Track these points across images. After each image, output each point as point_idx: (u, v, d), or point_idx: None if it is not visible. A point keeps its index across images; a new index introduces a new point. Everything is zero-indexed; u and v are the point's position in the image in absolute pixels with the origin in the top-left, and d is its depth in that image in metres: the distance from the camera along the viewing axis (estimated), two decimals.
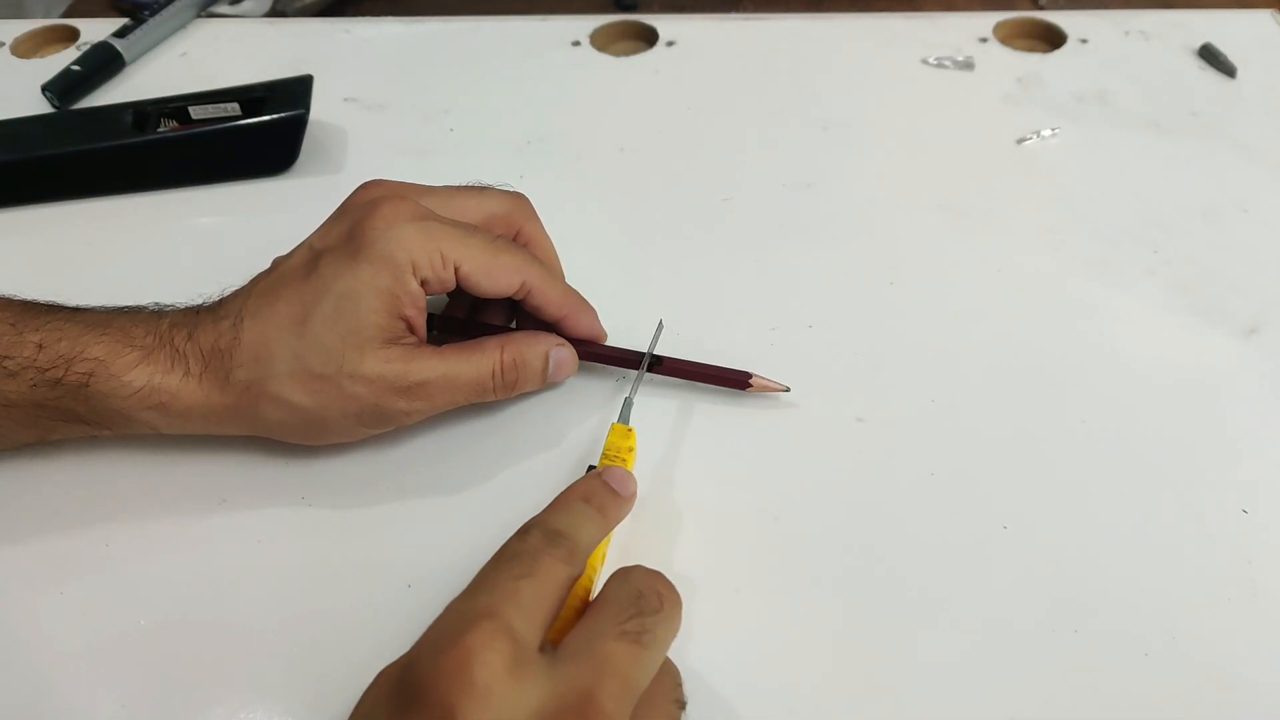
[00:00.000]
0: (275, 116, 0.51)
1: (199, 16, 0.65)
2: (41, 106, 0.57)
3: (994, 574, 0.34)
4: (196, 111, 0.52)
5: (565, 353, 0.38)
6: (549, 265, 0.39)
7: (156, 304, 0.37)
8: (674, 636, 0.29)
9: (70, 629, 0.34)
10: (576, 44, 0.60)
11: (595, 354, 0.39)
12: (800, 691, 0.31)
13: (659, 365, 0.39)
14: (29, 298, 0.36)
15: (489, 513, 0.36)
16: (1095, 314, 0.42)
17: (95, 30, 0.62)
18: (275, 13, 0.66)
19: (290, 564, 0.35)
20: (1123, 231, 0.46)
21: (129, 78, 0.60)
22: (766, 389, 0.39)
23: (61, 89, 0.57)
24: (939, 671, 0.32)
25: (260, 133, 0.51)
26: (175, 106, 0.52)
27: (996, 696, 0.31)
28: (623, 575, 0.29)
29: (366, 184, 0.38)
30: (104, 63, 0.59)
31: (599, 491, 0.32)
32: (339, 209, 0.37)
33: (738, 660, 0.32)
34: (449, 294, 0.38)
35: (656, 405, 0.39)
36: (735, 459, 0.38)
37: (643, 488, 0.37)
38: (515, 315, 0.41)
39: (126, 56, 0.60)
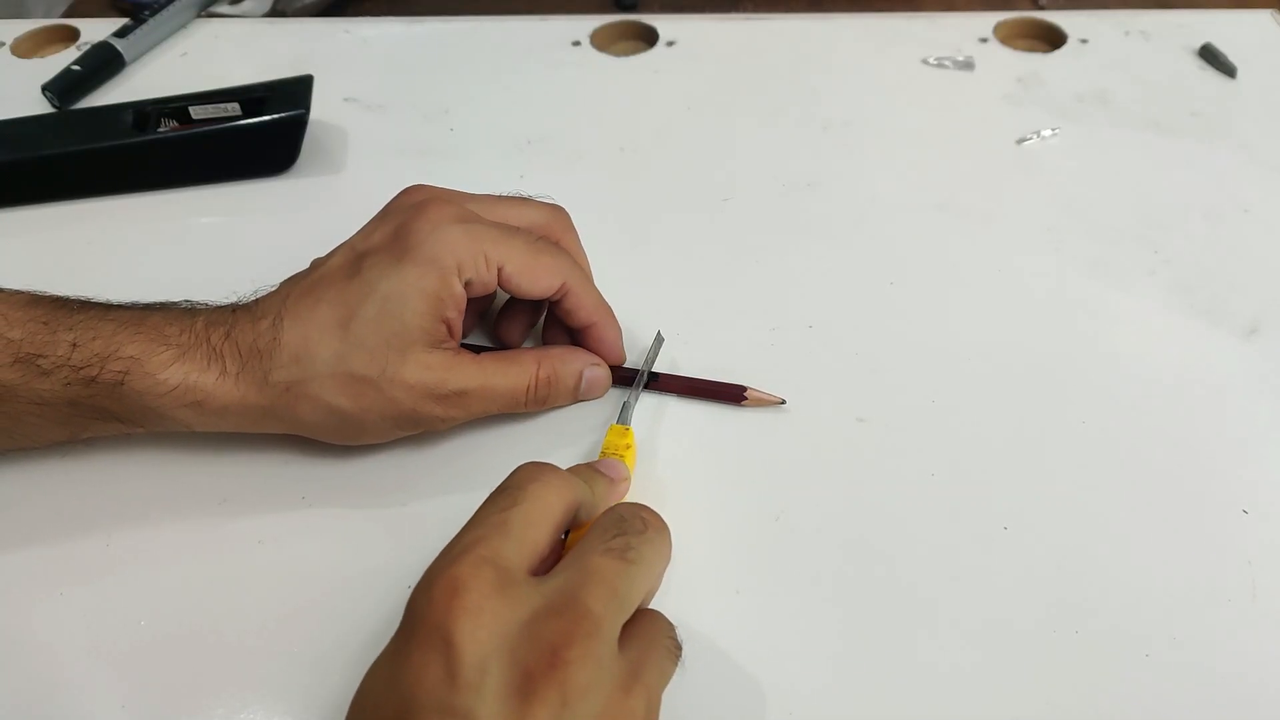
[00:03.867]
0: (275, 117, 0.51)
1: (199, 16, 0.65)
2: (42, 106, 0.57)
3: (994, 574, 0.34)
4: (197, 111, 0.52)
5: (600, 372, 0.39)
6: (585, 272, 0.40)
7: (188, 301, 0.37)
8: (662, 561, 0.30)
9: (70, 630, 0.34)
10: (576, 44, 0.60)
11: None
12: (801, 691, 0.31)
13: (655, 381, 0.40)
14: (58, 294, 0.36)
15: None
16: (1095, 314, 0.42)
17: (95, 30, 0.62)
18: (275, 13, 0.66)
19: (291, 565, 0.35)
20: (1123, 231, 0.46)
21: (129, 78, 0.60)
22: (762, 403, 0.39)
23: (61, 89, 0.57)
24: (939, 672, 0.32)
25: (260, 133, 0.51)
26: (176, 106, 0.52)
27: (997, 697, 0.31)
28: (608, 509, 0.31)
29: (410, 188, 0.38)
30: (104, 63, 0.59)
31: (585, 469, 0.34)
32: (383, 211, 0.37)
33: (738, 660, 0.32)
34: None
35: (657, 406, 0.39)
36: (735, 459, 0.38)
37: (643, 488, 0.37)
38: (539, 319, 0.41)
39: (127, 56, 0.60)
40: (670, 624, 0.30)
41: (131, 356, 0.33)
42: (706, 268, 0.45)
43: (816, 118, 0.53)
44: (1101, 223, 0.46)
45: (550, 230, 0.39)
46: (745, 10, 0.63)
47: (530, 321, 0.41)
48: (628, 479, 0.35)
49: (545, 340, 0.41)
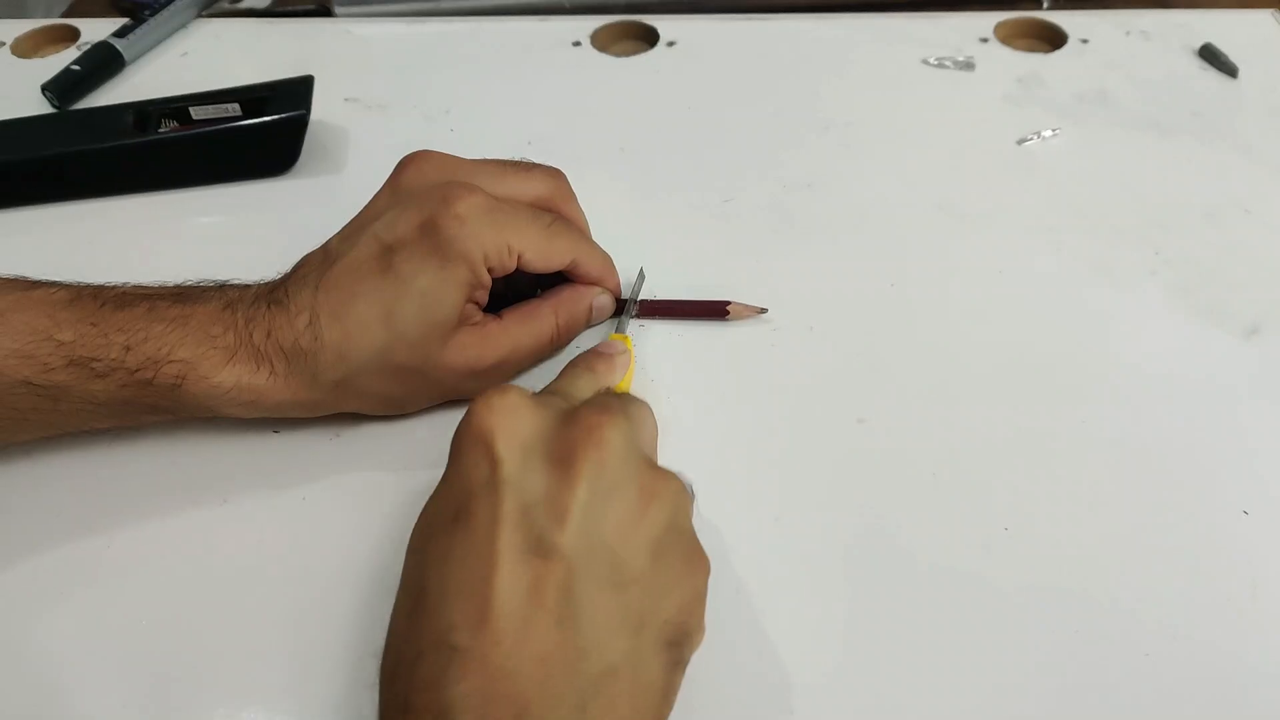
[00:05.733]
0: (276, 117, 0.51)
1: (199, 16, 0.65)
2: (41, 106, 0.57)
3: (995, 574, 0.34)
4: (197, 112, 0.52)
5: (605, 299, 0.42)
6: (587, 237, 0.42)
7: (215, 282, 0.37)
8: (653, 429, 0.33)
9: (71, 629, 0.34)
10: (577, 44, 0.60)
11: None
12: (801, 691, 0.31)
13: (640, 308, 0.42)
14: (87, 283, 0.36)
15: None
16: (1096, 314, 0.42)
17: (96, 30, 0.62)
18: (276, 12, 0.66)
19: (291, 564, 0.35)
20: (1123, 231, 0.46)
21: (129, 77, 0.60)
22: (744, 314, 0.42)
23: (61, 89, 0.57)
24: (939, 671, 0.32)
25: (261, 133, 0.51)
26: (176, 107, 0.52)
27: (997, 696, 0.31)
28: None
29: (414, 159, 0.39)
30: (104, 62, 0.59)
31: (588, 356, 0.37)
32: (393, 190, 0.38)
33: (739, 660, 0.32)
34: None
35: (653, 400, 0.39)
36: (735, 459, 0.38)
37: None
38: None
39: (127, 56, 0.60)
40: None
41: (185, 360, 0.34)
42: (707, 267, 0.45)
43: (817, 118, 0.53)
44: (1102, 223, 0.46)
45: (554, 200, 0.40)
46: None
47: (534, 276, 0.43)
48: (626, 355, 0.38)
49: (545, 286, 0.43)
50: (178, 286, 0.37)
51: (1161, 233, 0.46)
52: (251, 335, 0.35)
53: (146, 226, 0.49)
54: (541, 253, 0.38)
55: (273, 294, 0.36)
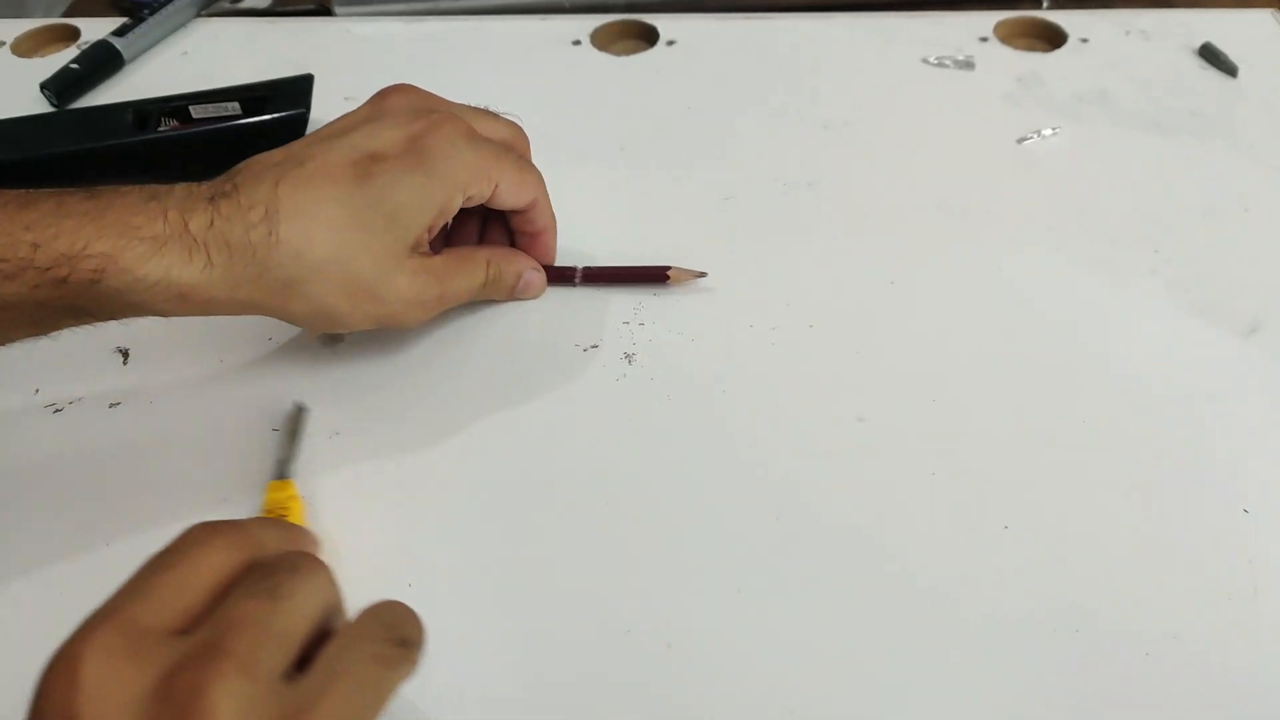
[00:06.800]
0: (276, 116, 0.51)
1: (199, 15, 0.65)
2: (41, 105, 0.57)
3: (995, 574, 0.34)
4: (197, 111, 0.52)
5: (536, 276, 0.43)
6: None
7: (140, 184, 0.34)
8: (322, 593, 0.27)
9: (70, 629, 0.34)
10: (577, 43, 0.60)
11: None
12: (801, 690, 0.31)
13: (584, 277, 0.43)
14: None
15: (491, 511, 0.36)
16: (1096, 313, 0.42)
17: (96, 30, 0.62)
18: (276, 11, 0.66)
19: None
20: (1123, 231, 0.46)
21: (128, 77, 0.60)
22: (684, 277, 0.43)
23: (60, 87, 0.57)
24: (939, 671, 0.32)
25: (261, 132, 0.51)
26: (176, 106, 0.52)
27: (997, 696, 0.31)
28: (256, 563, 0.27)
29: (398, 88, 0.39)
30: (103, 61, 0.59)
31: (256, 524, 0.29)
32: (375, 110, 0.38)
33: (738, 659, 0.32)
34: None
35: (654, 399, 0.39)
36: (735, 458, 0.38)
37: (642, 488, 0.37)
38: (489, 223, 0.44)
39: (126, 55, 0.60)
40: (390, 619, 0.27)
41: (103, 253, 0.32)
42: (707, 267, 0.45)
43: (816, 117, 0.53)
44: (1102, 222, 0.46)
45: (517, 144, 0.42)
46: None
47: (479, 226, 0.43)
48: (314, 541, 0.32)
49: (485, 241, 0.43)
50: (89, 187, 0.34)
51: (1161, 232, 0.46)
52: (187, 225, 0.33)
53: None
54: (514, 185, 0.39)
55: (216, 188, 0.34)
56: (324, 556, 0.35)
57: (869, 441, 0.38)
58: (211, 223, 0.33)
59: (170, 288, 0.33)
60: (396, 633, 0.27)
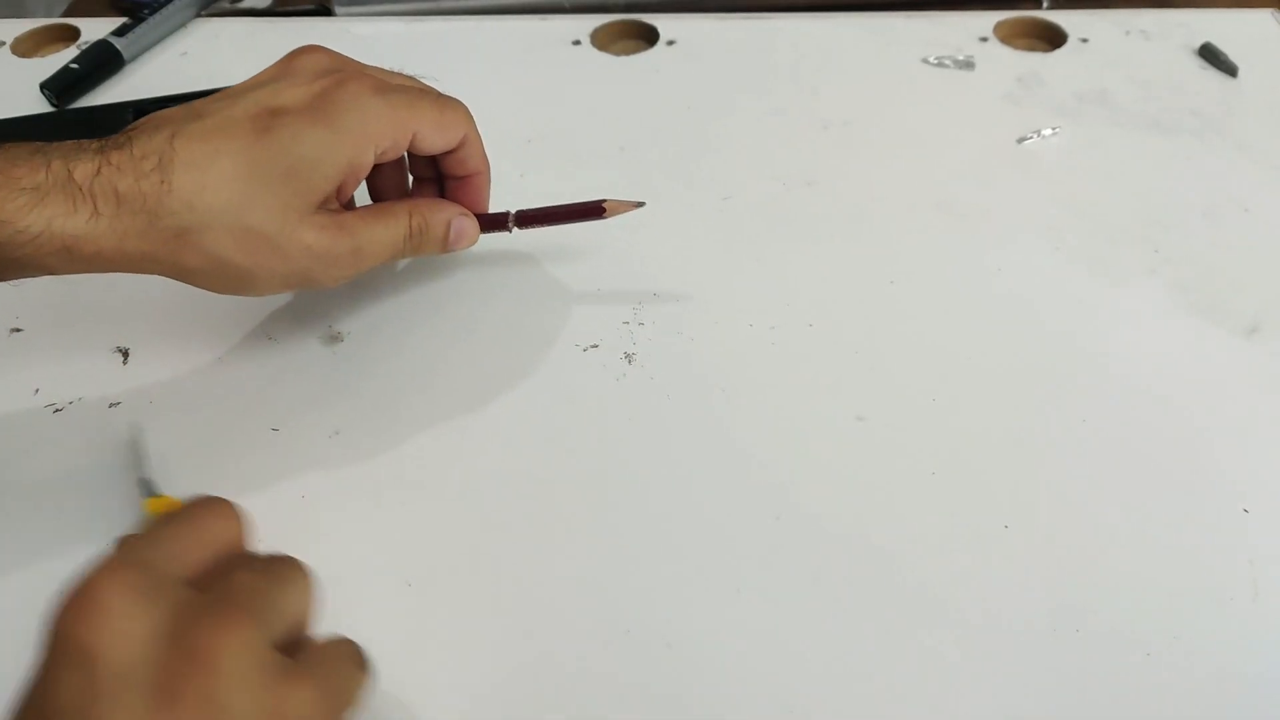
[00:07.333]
0: None
1: (199, 15, 0.65)
2: (41, 105, 0.57)
3: (995, 574, 0.34)
4: None
5: (467, 223, 0.40)
6: None
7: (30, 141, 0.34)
8: (309, 593, 0.28)
9: None
10: (576, 43, 0.60)
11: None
12: (800, 690, 0.31)
13: (520, 220, 0.41)
14: None
15: (490, 510, 0.36)
16: (1096, 313, 0.42)
17: (96, 30, 0.62)
18: (276, 11, 0.66)
19: None
20: (1123, 231, 0.46)
21: (128, 76, 0.60)
22: (621, 209, 0.40)
23: (59, 87, 0.57)
24: (939, 671, 0.32)
25: None
26: (176, 105, 0.52)
27: (997, 696, 0.31)
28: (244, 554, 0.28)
29: (308, 48, 0.38)
30: (103, 61, 0.59)
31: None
32: (283, 69, 0.37)
33: (738, 659, 0.32)
34: None
35: (654, 399, 0.39)
36: (735, 458, 0.38)
37: (642, 488, 0.37)
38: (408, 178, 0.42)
39: (126, 55, 0.60)
40: (351, 642, 0.29)
41: None
42: (706, 266, 0.45)
43: (816, 117, 0.53)
44: (1102, 222, 0.46)
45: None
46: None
47: (402, 180, 0.42)
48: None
49: (414, 195, 0.42)
50: None
51: (1161, 232, 0.46)
52: (71, 174, 0.32)
53: None
54: (436, 124, 0.37)
55: (108, 141, 0.33)
56: (324, 555, 0.35)
57: (869, 441, 0.38)
58: (99, 170, 0.32)
59: (54, 239, 0.31)
60: (360, 651, 0.29)
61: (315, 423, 0.39)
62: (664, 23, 0.61)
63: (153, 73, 0.60)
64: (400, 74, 0.40)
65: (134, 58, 0.60)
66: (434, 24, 0.63)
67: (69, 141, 0.33)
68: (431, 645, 0.33)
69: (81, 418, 0.40)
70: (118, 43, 0.59)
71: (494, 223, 0.41)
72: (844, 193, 0.49)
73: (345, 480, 0.38)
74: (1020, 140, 0.51)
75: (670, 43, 0.60)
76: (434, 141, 0.38)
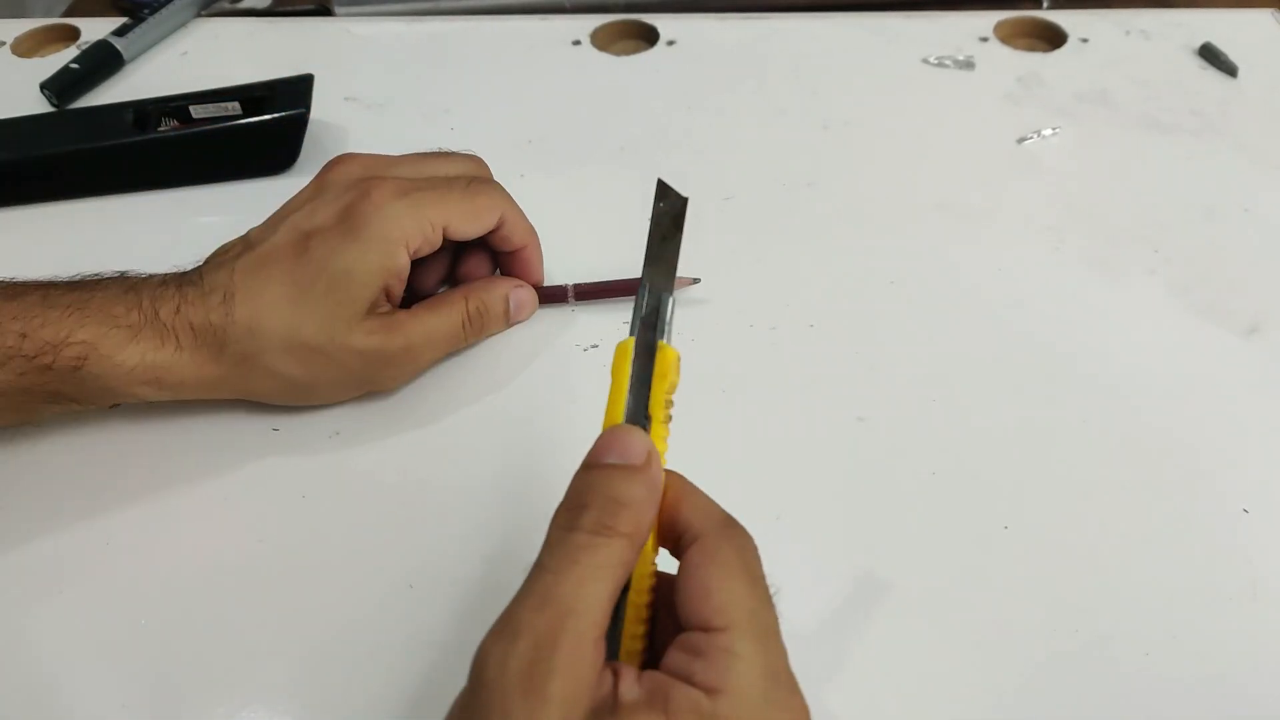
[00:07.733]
0: (276, 116, 0.51)
1: (199, 15, 0.65)
2: (41, 105, 0.57)
3: (995, 574, 0.34)
4: (197, 111, 0.52)
5: (524, 293, 0.42)
6: None
7: (119, 272, 0.37)
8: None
9: (70, 628, 0.34)
10: (577, 43, 0.60)
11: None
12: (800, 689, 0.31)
13: (574, 295, 0.43)
14: None
15: (490, 510, 0.36)
16: (1096, 313, 0.42)
17: (96, 30, 0.62)
18: (276, 11, 0.66)
19: (291, 563, 0.35)
20: (1123, 230, 0.46)
21: (128, 76, 0.60)
22: (679, 285, 0.39)
23: (60, 87, 0.57)
24: (939, 671, 0.32)
25: (261, 132, 0.51)
26: (176, 105, 0.52)
27: (997, 696, 0.31)
28: None
29: (340, 160, 0.40)
30: (103, 61, 0.59)
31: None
32: (318, 186, 0.39)
33: None
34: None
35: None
36: (735, 458, 0.38)
37: None
38: (451, 266, 0.43)
39: (126, 55, 0.60)
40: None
41: (85, 341, 0.34)
42: (707, 266, 0.45)
43: (816, 117, 0.53)
44: (1102, 222, 0.46)
45: (475, 174, 0.42)
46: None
47: (445, 267, 0.43)
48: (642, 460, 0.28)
49: (463, 276, 0.43)
50: (71, 278, 0.37)
51: (1161, 231, 0.46)
52: (158, 313, 0.35)
53: (145, 225, 0.49)
54: (466, 215, 0.39)
55: (184, 277, 0.37)
56: (324, 555, 0.35)
57: (869, 441, 0.38)
58: (179, 309, 0.36)
59: (145, 372, 0.35)
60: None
61: (315, 423, 0.39)
62: (664, 23, 0.61)
63: (153, 73, 0.60)
64: (437, 153, 0.41)
65: (134, 58, 0.61)
66: (434, 24, 0.63)
67: (155, 277, 0.37)
68: (431, 646, 0.33)
69: (83, 418, 0.40)
70: (118, 43, 0.59)
71: (552, 297, 0.43)
72: (844, 193, 0.49)
73: (346, 481, 0.38)
74: (1020, 140, 0.51)
75: (670, 43, 0.60)
76: (467, 230, 0.39)
